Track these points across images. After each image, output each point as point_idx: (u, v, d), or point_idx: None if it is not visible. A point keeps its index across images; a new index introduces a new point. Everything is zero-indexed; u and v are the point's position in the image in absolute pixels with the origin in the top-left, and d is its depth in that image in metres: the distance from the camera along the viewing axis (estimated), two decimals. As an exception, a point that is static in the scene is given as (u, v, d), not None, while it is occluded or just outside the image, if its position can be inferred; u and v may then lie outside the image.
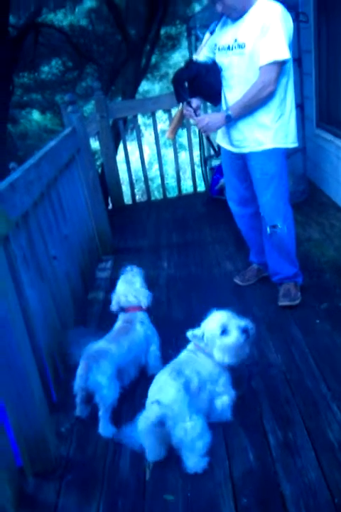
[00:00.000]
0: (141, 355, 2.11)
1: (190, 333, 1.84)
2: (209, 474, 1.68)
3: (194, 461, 1.68)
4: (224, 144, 2.54)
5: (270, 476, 1.64)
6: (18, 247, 1.90)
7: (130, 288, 2.18)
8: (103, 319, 2.68)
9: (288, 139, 2.38)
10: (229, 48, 2.28)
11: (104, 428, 1.90)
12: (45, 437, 1.74)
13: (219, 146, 2.64)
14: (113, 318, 2.23)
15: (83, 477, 1.77)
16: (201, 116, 2.34)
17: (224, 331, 1.75)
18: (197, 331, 1.83)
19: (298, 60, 3.61)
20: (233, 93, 2.34)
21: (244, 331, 1.74)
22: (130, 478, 1.72)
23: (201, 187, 5.18)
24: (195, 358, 1.83)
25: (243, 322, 1.77)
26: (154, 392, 1.73)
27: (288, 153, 2.46)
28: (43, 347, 2.04)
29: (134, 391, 2.08)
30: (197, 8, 9.49)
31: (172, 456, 1.74)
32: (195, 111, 2.35)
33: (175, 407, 1.63)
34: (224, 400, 1.85)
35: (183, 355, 1.88)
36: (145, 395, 2.08)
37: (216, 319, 1.80)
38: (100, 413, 1.89)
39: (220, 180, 4.27)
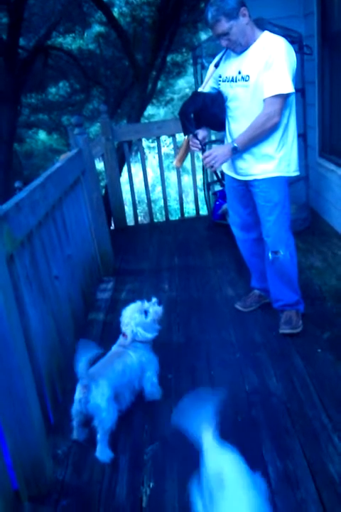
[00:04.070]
0: (134, 380, 2.07)
1: None
2: (207, 504, 1.65)
3: None
4: (229, 172, 2.57)
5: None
6: (21, 267, 1.91)
7: (129, 319, 2.14)
8: (103, 341, 2.67)
9: (291, 168, 2.42)
10: (232, 79, 2.33)
11: (102, 452, 1.87)
12: (41, 461, 1.72)
13: (222, 173, 2.68)
14: (112, 340, 2.21)
15: (78, 502, 1.74)
16: (208, 152, 2.34)
17: None
18: None
19: (301, 90, 3.67)
20: (237, 123, 2.38)
21: None
22: (126, 505, 1.69)
23: (203, 210, 5.20)
24: None
25: None
26: None
27: (290, 182, 2.49)
28: (42, 368, 2.03)
29: (132, 416, 2.06)
30: (204, 36, 9.70)
31: (171, 480, 1.72)
32: (200, 142, 2.37)
33: None
34: None
35: None
36: (143, 421, 2.07)
37: None
38: (98, 437, 1.87)
39: (222, 205, 4.30)
